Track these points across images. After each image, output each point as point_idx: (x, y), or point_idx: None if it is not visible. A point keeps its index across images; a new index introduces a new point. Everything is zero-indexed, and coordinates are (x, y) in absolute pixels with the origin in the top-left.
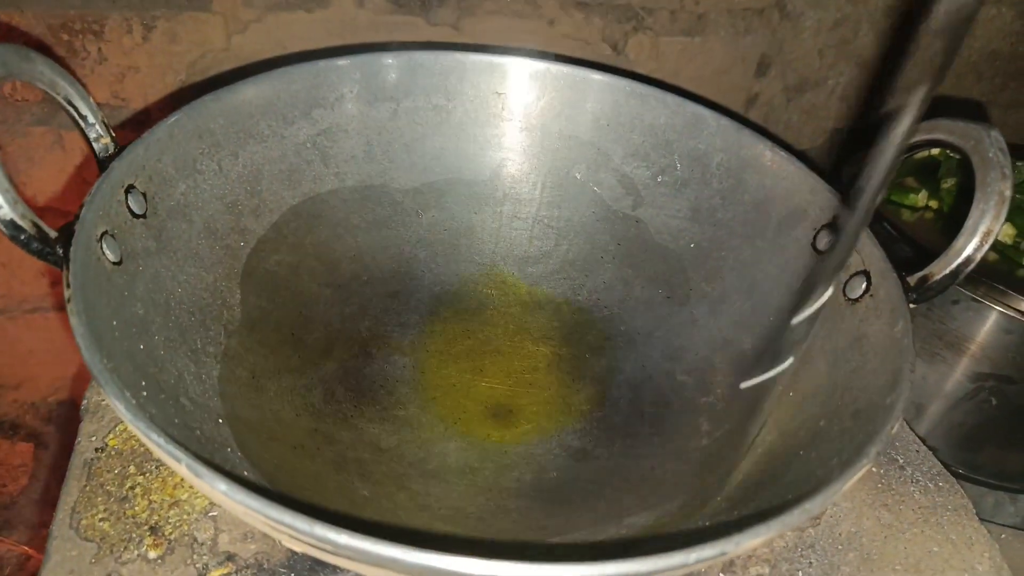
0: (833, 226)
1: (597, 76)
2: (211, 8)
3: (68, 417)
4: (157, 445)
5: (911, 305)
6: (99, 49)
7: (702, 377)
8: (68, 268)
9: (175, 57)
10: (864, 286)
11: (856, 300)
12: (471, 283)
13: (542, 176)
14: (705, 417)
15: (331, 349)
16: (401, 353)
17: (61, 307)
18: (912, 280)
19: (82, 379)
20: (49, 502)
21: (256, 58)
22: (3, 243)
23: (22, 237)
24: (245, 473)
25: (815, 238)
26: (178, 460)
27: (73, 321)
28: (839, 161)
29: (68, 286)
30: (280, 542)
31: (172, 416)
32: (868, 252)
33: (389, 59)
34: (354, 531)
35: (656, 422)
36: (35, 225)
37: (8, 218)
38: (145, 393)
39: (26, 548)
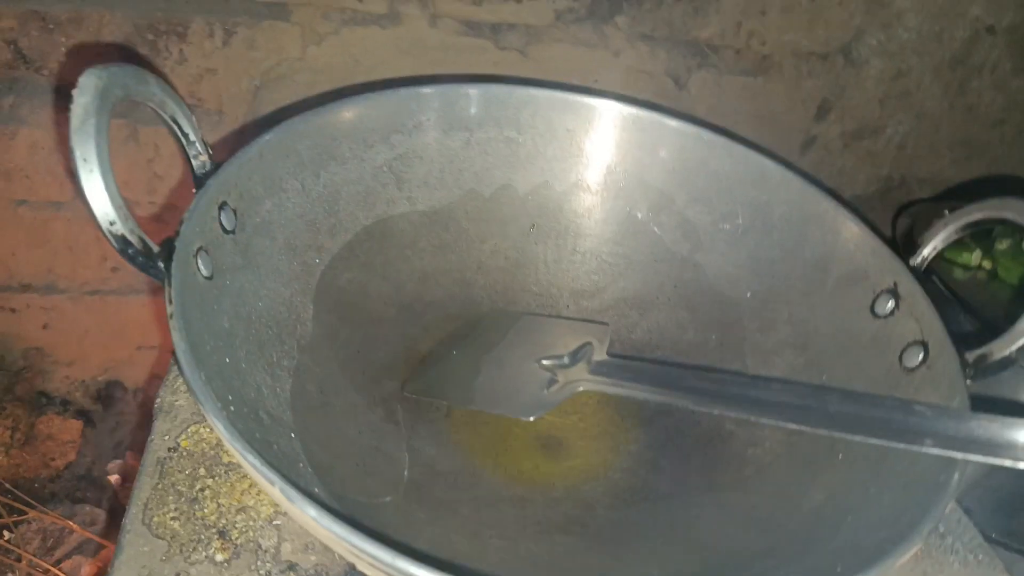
0: (894, 292)
1: (667, 121)
2: (290, 19)
3: (115, 397)
4: (253, 467)
5: (968, 381)
6: (181, 50)
7: (751, 429)
8: (170, 284)
9: (252, 63)
10: (921, 356)
11: (912, 370)
12: (526, 312)
13: (604, 213)
14: (752, 469)
15: (392, 368)
16: None
17: (118, 292)
18: (970, 357)
19: (131, 363)
20: (92, 480)
21: (329, 69)
22: (71, 229)
23: (129, 251)
24: (316, 489)
25: (874, 302)
26: (272, 483)
27: (175, 337)
28: (897, 213)
29: (170, 301)
30: (340, 557)
31: (254, 430)
32: (928, 322)
33: (468, 90)
34: (432, 566)
35: (702, 470)
36: (142, 240)
37: (120, 233)
38: (232, 408)
39: (69, 522)
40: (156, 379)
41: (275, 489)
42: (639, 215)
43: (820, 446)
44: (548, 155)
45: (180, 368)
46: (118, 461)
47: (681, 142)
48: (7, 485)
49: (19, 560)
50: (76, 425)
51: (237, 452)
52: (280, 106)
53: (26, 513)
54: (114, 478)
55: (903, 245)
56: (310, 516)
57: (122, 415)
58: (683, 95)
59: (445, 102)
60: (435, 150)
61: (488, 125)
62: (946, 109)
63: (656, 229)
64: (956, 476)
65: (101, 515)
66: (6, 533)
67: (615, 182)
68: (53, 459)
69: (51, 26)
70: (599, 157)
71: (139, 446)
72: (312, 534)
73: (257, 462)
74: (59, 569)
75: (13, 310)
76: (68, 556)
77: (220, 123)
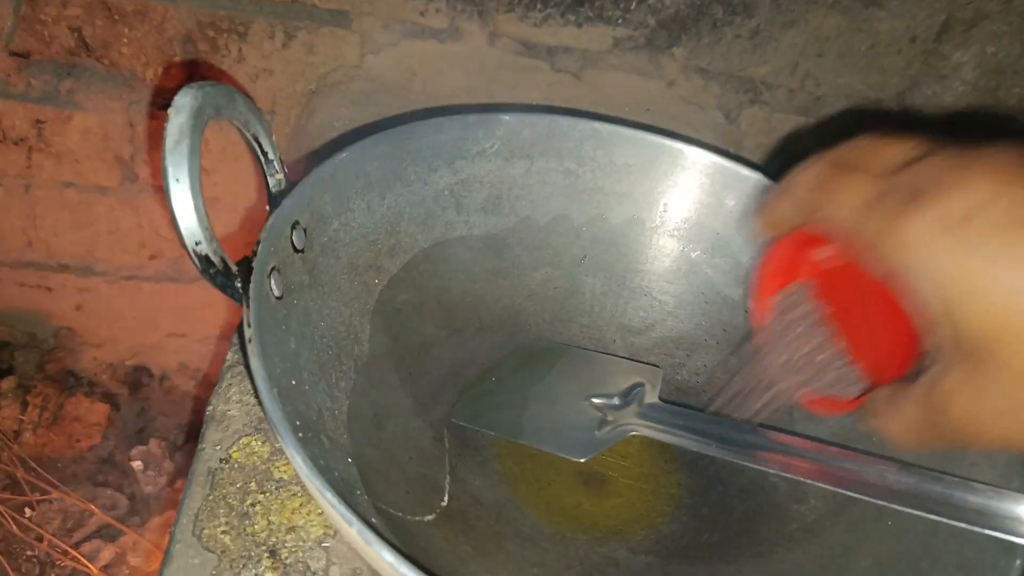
0: None
1: (731, 166)
2: (351, 27)
3: (142, 383)
4: (331, 505)
5: None
6: (240, 49)
7: (796, 484)
8: (248, 306)
9: (309, 67)
10: None
11: None
12: (574, 344)
13: (657, 250)
14: (796, 526)
15: (441, 393)
16: None
17: (153, 278)
18: None
19: (160, 349)
20: (115, 464)
21: (384, 79)
22: (114, 214)
23: (211, 271)
24: (373, 520)
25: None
26: (350, 524)
27: (255, 363)
28: None
29: (249, 325)
30: None
31: (317, 457)
32: None
33: (533, 120)
34: None
35: (745, 521)
36: (223, 261)
37: (204, 253)
38: (300, 434)
39: (90, 505)
40: (184, 367)
41: (352, 530)
42: (693, 255)
43: (868, 509)
44: (606, 188)
45: (260, 398)
46: (142, 447)
47: (742, 187)
48: (32, 463)
49: (39, 540)
50: (103, 408)
51: (316, 490)
52: (334, 117)
53: (49, 493)
54: (137, 464)
55: None
56: (386, 561)
57: (148, 401)
58: (732, 129)
59: (510, 130)
60: (496, 177)
61: (549, 155)
62: None
63: (709, 271)
64: (1018, 563)
65: (122, 500)
66: (28, 511)
67: (671, 220)
68: (78, 440)
69: (116, 16)
70: (657, 195)
71: (163, 433)
72: (366, 561)
73: (335, 500)
74: (78, 552)
75: (49, 289)
76: (87, 539)
77: (272, 122)
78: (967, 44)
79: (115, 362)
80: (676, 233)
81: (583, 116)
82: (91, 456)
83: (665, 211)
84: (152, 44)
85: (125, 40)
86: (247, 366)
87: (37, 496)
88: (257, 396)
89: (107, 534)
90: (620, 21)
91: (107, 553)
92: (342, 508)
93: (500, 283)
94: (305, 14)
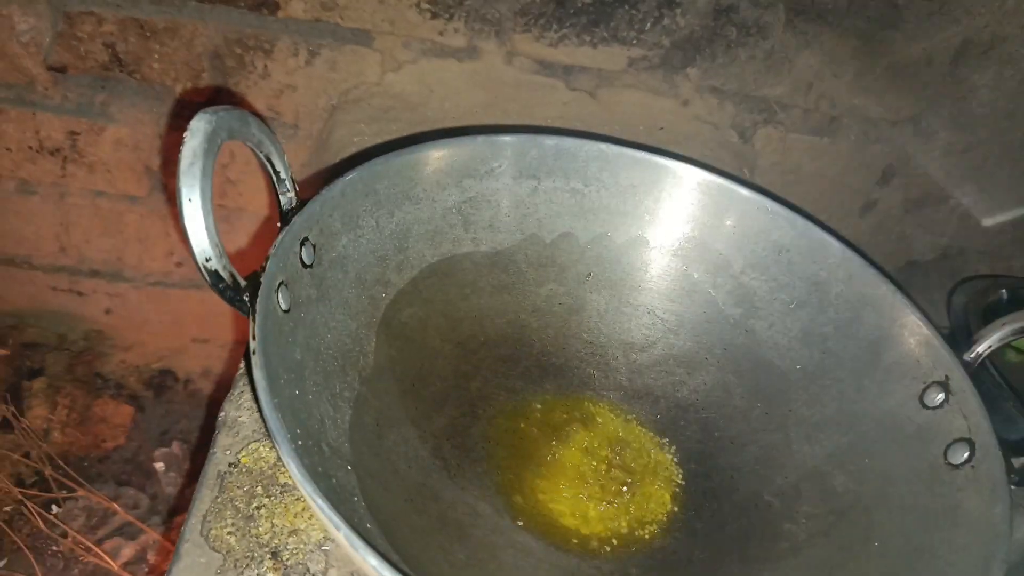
0: (944, 385)
1: (732, 187)
2: (372, 45)
3: (166, 386)
4: (321, 510)
5: (1012, 487)
6: (265, 65)
7: (788, 503)
8: (255, 319)
9: (331, 83)
10: (966, 455)
11: (956, 467)
12: (576, 359)
13: (660, 269)
14: (786, 545)
15: (443, 404)
16: (504, 417)
17: (179, 285)
18: (1017, 463)
19: (184, 354)
20: (138, 465)
21: (404, 96)
22: (143, 221)
23: (220, 286)
24: (368, 525)
25: (924, 392)
26: (337, 528)
27: (258, 374)
28: (954, 287)
29: (254, 337)
30: None
31: (316, 464)
32: (976, 421)
33: (540, 141)
34: None
35: (737, 537)
36: (232, 276)
37: (214, 269)
38: (300, 442)
39: (113, 504)
40: (207, 372)
41: (339, 535)
42: (695, 275)
43: (857, 531)
44: (611, 208)
45: (260, 407)
46: (164, 449)
47: (743, 207)
48: (59, 461)
49: (64, 536)
50: (128, 410)
51: (307, 495)
52: (354, 132)
53: (75, 491)
54: (159, 465)
55: (956, 322)
56: (371, 566)
57: (171, 403)
58: (747, 148)
59: (518, 151)
60: (503, 195)
61: (556, 175)
62: (1014, 187)
63: (711, 291)
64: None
65: (144, 500)
66: (54, 507)
67: (673, 240)
68: (104, 441)
69: (148, 33)
70: (661, 215)
71: (185, 436)
72: (356, 566)
73: (326, 506)
74: (100, 548)
75: (80, 293)
76: (109, 536)
77: (295, 136)
78: (984, 67)
79: (141, 365)
80: (679, 253)
81: (589, 137)
82: (116, 456)
83: (668, 231)
84: (181, 59)
85: (156, 56)
86: (250, 377)
87: (63, 493)
88: (259, 407)
89: (128, 532)
90: (635, 41)
91: (128, 551)
92: (332, 514)
93: (505, 298)
94: (328, 33)
